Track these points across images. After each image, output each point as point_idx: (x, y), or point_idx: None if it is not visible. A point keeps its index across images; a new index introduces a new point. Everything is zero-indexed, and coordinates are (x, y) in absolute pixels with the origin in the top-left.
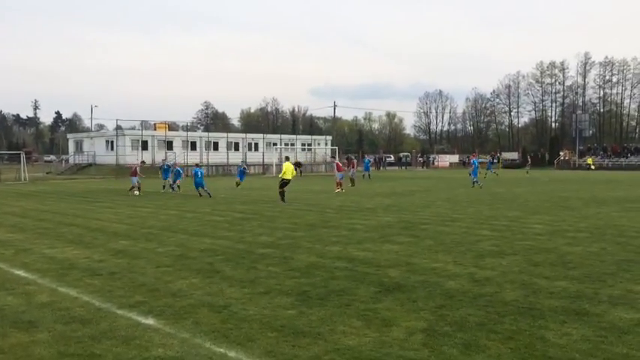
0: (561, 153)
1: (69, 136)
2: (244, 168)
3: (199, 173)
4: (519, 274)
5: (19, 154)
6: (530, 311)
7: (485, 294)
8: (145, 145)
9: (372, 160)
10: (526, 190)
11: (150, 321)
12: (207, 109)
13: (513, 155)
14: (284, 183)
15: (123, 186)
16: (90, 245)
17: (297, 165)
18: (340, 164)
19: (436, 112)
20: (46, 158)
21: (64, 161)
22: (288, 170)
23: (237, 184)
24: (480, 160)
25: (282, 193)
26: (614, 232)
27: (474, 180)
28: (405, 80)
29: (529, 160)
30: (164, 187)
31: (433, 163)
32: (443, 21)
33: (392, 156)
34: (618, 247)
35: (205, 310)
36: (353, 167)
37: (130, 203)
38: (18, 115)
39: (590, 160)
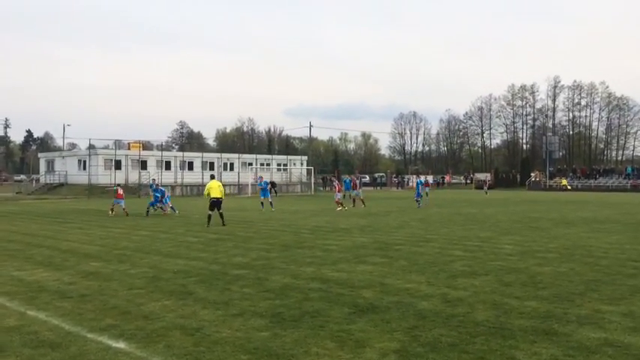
0: (532, 174)
1: (40, 155)
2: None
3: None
4: (491, 294)
5: None
6: (501, 331)
7: (457, 314)
8: (118, 165)
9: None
10: (498, 211)
11: (121, 344)
12: (182, 128)
13: (483, 176)
14: (215, 203)
15: (95, 206)
16: (60, 267)
17: (272, 185)
18: (340, 186)
19: (410, 133)
20: (16, 178)
21: (34, 181)
22: (213, 188)
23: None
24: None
25: (220, 214)
26: (582, 253)
27: (416, 199)
28: (380, 101)
29: (487, 181)
30: (155, 209)
31: (408, 184)
32: (417, 44)
33: (367, 176)
34: (586, 267)
35: (178, 332)
36: (356, 188)
37: (101, 224)
38: None
39: (564, 182)
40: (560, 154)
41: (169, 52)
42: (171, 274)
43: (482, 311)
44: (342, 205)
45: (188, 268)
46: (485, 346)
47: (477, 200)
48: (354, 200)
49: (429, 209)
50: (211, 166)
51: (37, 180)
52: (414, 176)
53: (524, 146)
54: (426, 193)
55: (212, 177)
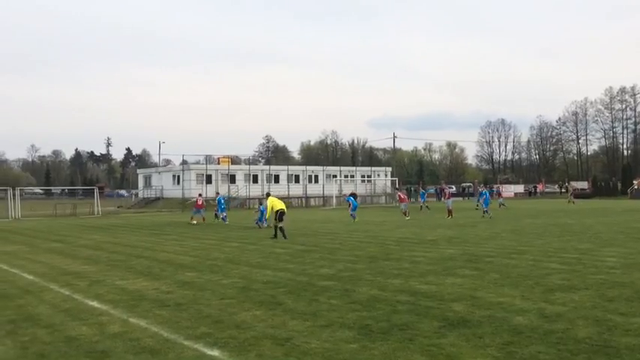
0: (635, 182)
1: (138, 171)
2: (222, 198)
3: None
4: (592, 310)
5: (93, 189)
6: (605, 349)
7: (556, 330)
8: (209, 179)
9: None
10: (597, 221)
11: (215, 352)
12: (268, 142)
13: (583, 185)
14: (280, 214)
15: (188, 219)
16: (158, 277)
17: (353, 196)
18: (402, 195)
19: (499, 141)
20: (118, 192)
21: (133, 195)
22: (275, 203)
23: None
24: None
25: (280, 228)
26: None
27: (484, 209)
28: (464, 110)
29: (570, 189)
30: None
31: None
32: (501, 50)
33: (453, 186)
34: None
35: (268, 342)
36: (447, 197)
37: (194, 235)
38: (92, 152)
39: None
40: None
41: (253, 70)
42: (261, 284)
43: (584, 328)
44: (406, 214)
45: (277, 279)
46: None
47: (573, 210)
48: (449, 211)
49: (522, 220)
50: (297, 178)
51: (136, 194)
52: (450, 187)
53: (625, 152)
54: (501, 204)
55: (268, 195)
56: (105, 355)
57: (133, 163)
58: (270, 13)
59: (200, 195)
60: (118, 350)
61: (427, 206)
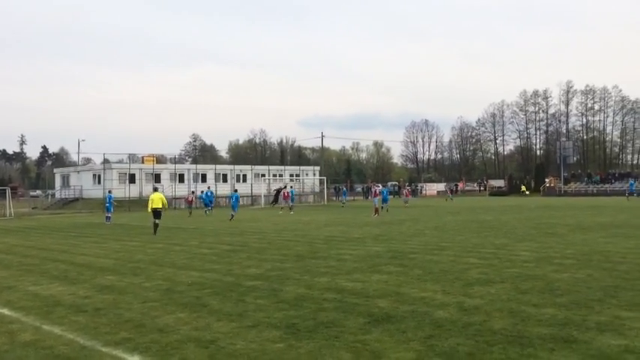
0: (547, 180)
1: (55, 170)
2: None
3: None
4: (507, 302)
5: (5, 189)
6: (519, 339)
7: (473, 323)
8: (132, 179)
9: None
10: (513, 218)
11: (135, 358)
12: (195, 141)
13: (499, 183)
14: (156, 213)
15: (108, 220)
16: (75, 281)
17: (277, 192)
18: (377, 190)
19: (423, 141)
20: (32, 193)
21: (50, 196)
22: (156, 199)
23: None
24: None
25: (156, 226)
26: (600, 258)
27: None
28: (393, 111)
29: (449, 189)
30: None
31: (421, 192)
32: (428, 54)
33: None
34: (604, 272)
35: (192, 345)
36: (374, 195)
37: (117, 237)
38: (4, 150)
39: (523, 188)
40: (575, 159)
41: (181, 67)
42: (186, 286)
43: (499, 319)
44: (377, 212)
45: (202, 280)
46: (503, 355)
47: (491, 207)
48: (375, 209)
49: (443, 217)
50: (224, 177)
51: (53, 195)
52: (377, 185)
53: (538, 152)
54: (405, 202)
55: (155, 189)
56: None
57: (49, 162)
58: (200, 10)
59: (193, 192)
60: None
61: (343, 204)
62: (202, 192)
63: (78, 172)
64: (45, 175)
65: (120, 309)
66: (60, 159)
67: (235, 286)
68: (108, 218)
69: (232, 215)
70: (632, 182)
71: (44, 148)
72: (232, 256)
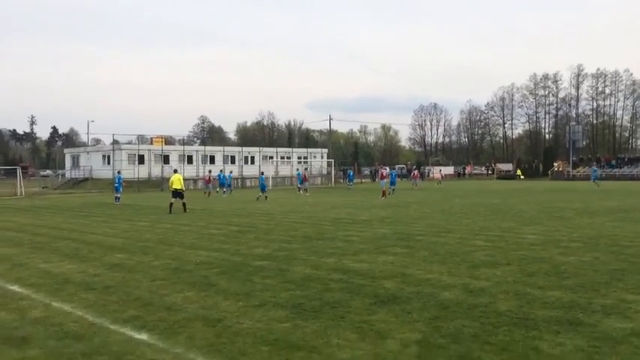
0: (555, 164)
1: (65, 150)
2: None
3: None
4: (513, 284)
5: (16, 169)
6: (524, 322)
7: (479, 304)
8: (141, 159)
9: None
10: (520, 201)
11: (143, 336)
12: (203, 123)
13: (508, 166)
14: (176, 194)
15: (121, 200)
16: (85, 259)
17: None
18: (385, 172)
19: (431, 124)
20: (42, 173)
21: (60, 176)
22: (175, 181)
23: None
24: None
25: (171, 205)
26: (607, 242)
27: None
28: (401, 93)
29: (414, 173)
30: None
31: (428, 175)
32: (437, 35)
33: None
34: (611, 256)
35: (199, 324)
36: (381, 177)
37: (126, 217)
38: (14, 130)
39: (519, 172)
40: (584, 143)
41: (189, 49)
42: (194, 265)
43: (505, 301)
44: (384, 194)
45: (210, 260)
46: (509, 336)
47: (499, 190)
48: (383, 192)
49: (451, 200)
50: (232, 159)
51: (63, 175)
52: (384, 168)
53: (547, 136)
54: (415, 184)
55: (175, 171)
56: (25, 341)
57: (59, 143)
58: None
59: (210, 171)
60: (39, 336)
61: (349, 186)
62: (220, 172)
63: (88, 152)
64: (55, 155)
65: (129, 287)
66: (70, 139)
67: (243, 265)
68: (117, 198)
69: (260, 196)
70: (595, 169)
71: (54, 128)
72: (240, 236)
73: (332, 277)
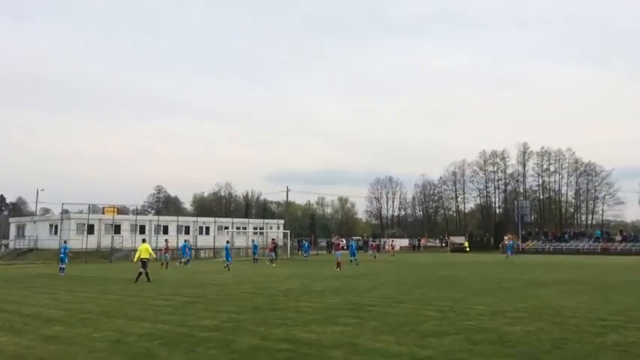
0: (505, 237)
1: (11, 220)
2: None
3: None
4: (459, 353)
5: None
6: None
7: None
8: (91, 229)
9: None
10: (471, 273)
11: None
12: (159, 193)
13: (461, 239)
14: (143, 263)
15: (64, 271)
16: (20, 331)
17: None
18: (341, 243)
19: (387, 197)
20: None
21: (3, 246)
22: (143, 250)
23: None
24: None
25: (140, 274)
26: (551, 312)
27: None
28: (359, 167)
29: (371, 244)
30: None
31: (384, 247)
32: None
33: (344, 239)
34: (555, 326)
35: None
36: (337, 249)
37: (69, 289)
38: None
39: (465, 244)
40: (532, 217)
41: (147, 119)
42: (136, 337)
43: None
44: (339, 265)
45: (154, 331)
46: None
47: (452, 263)
48: (337, 263)
49: (404, 271)
50: (187, 230)
51: (7, 245)
52: (341, 239)
53: (498, 210)
54: (374, 255)
55: (143, 241)
56: None
57: (5, 212)
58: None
59: (166, 241)
60: None
61: (305, 258)
62: (185, 242)
63: (34, 221)
64: (0, 225)
65: None
66: (17, 209)
67: (187, 337)
68: (62, 269)
69: (229, 264)
70: (511, 242)
71: (1, 197)
72: (188, 307)
73: (279, 347)
